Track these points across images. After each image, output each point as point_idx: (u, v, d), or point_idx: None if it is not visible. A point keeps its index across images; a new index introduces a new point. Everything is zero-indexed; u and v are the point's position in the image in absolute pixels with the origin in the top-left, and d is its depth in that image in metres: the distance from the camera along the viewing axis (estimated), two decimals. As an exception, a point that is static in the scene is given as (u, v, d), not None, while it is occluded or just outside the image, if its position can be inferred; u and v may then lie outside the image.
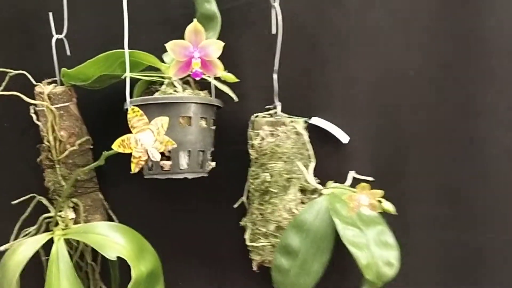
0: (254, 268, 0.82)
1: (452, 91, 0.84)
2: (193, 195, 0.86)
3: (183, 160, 0.75)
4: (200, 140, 0.75)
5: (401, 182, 0.85)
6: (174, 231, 0.87)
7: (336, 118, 0.84)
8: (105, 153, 0.64)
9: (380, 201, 0.69)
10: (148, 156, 0.60)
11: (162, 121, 0.61)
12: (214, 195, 0.86)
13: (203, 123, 0.76)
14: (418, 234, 0.84)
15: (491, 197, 0.84)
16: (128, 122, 0.59)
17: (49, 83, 0.82)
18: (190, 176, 0.75)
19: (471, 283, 0.84)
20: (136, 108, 0.60)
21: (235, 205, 0.84)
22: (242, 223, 0.83)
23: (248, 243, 0.81)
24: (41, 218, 0.83)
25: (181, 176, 0.75)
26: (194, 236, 0.87)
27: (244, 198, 0.83)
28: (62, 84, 0.82)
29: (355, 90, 0.84)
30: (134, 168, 0.60)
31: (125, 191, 0.88)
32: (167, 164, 0.74)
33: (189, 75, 0.69)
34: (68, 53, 0.83)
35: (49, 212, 0.84)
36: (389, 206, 0.70)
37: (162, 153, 0.74)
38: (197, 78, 0.68)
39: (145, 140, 0.59)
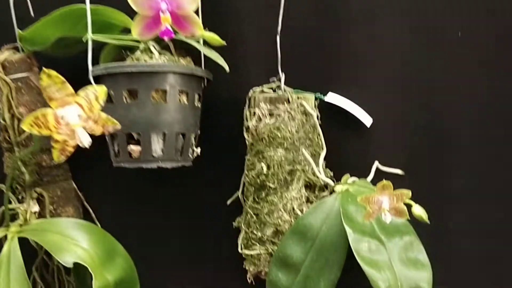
0: (249, 280, 0.66)
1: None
2: (182, 189, 0.71)
3: (157, 145, 0.59)
4: (179, 121, 0.60)
5: (438, 178, 0.66)
6: (159, 231, 0.72)
7: (357, 95, 0.66)
8: (36, 137, 0.49)
9: (408, 205, 0.52)
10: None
11: (96, 92, 0.45)
12: (205, 189, 0.71)
13: (184, 99, 0.60)
14: (460, 245, 0.65)
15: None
16: (43, 92, 0.44)
17: (9, 50, 0.68)
18: (165, 165, 0.60)
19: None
20: (53, 72, 0.45)
21: (229, 202, 0.69)
22: (235, 223, 0.67)
23: (240, 249, 0.65)
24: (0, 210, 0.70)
25: (154, 165, 0.60)
26: (181, 237, 0.72)
27: (239, 193, 0.67)
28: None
29: (382, 62, 0.66)
30: (58, 156, 0.45)
31: (106, 181, 0.74)
32: (135, 150, 0.59)
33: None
34: (32, 13, 0.69)
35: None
36: (420, 212, 0.52)
37: (131, 137, 0.60)
38: (166, 39, 0.53)
39: (70, 118, 0.44)
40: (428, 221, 0.52)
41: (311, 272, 0.57)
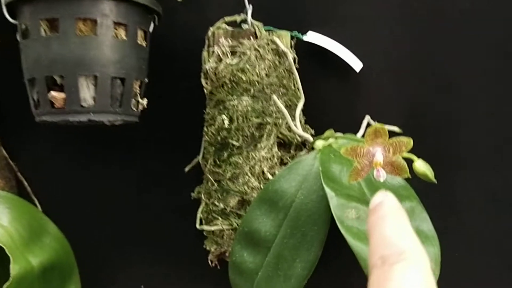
0: (211, 263, 0.53)
1: None
2: (129, 154, 0.58)
3: (86, 92, 0.46)
4: (116, 61, 0.47)
5: (443, 136, 0.54)
6: (103, 207, 0.59)
7: (343, 34, 0.53)
8: None
9: (409, 159, 0.39)
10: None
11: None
12: (158, 152, 0.58)
13: (122, 33, 0.47)
14: (469, 215, 0.53)
15: None
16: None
17: None
18: (99, 117, 0.47)
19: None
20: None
21: (187, 168, 0.56)
22: (194, 194, 0.54)
23: (198, 225, 0.52)
24: None
25: (84, 118, 0.47)
26: (130, 213, 0.59)
27: (200, 158, 0.54)
28: None
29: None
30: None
31: (43, 147, 0.61)
32: (58, 97, 0.46)
33: None
34: None
35: None
36: (424, 168, 0.39)
37: (54, 82, 0.47)
38: None
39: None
40: (434, 180, 0.40)
41: (284, 251, 0.45)
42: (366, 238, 0.38)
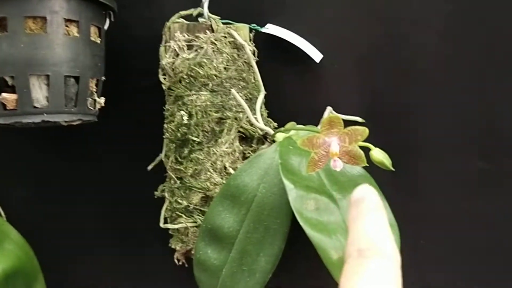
0: (176, 261, 0.52)
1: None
2: (90, 154, 0.57)
3: (39, 92, 0.45)
4: (69, 59, 0.45)
5: (405, 126, 0.54)
6: (66, 210, 0.58)
7: (304, 26, 0.53)
8: None
9: (366, 149, 0.39)
10: None
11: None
12: (119, 152, 0.56)
13: (74, 30, 0.46)
14: (432, 202, 0.54)
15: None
16: None
17: None
18: (54, 118, 0.46)
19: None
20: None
21: (150, 167, 0.55)
22: (157, 192, 0.53)
23: (162, 224, 0.51)
24: None
25: (37, 119, 0.45)
26: (94, 216, 0.58)
27: (163, 156, 0.53)
28: None
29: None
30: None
31: (3, 150, 0.59)
32: (9, 98, 0.45)
33: None
34: None
35: None
36: (381, 157, 0.40)
37: (5, 83, 0.45)
38: None
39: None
40: (392, 168, 0.40)
41: (248, 245, 0.44)
42: (325, 229, 0.38)
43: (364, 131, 0.37)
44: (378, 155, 0.39)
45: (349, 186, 0.42)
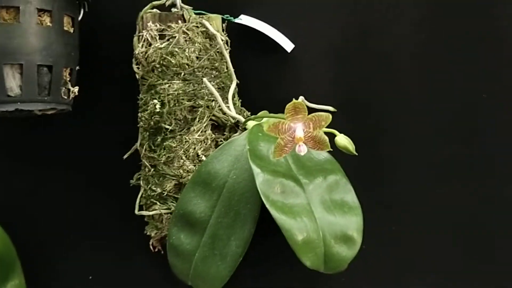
0: (152, 248, 0.53)
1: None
2: (66, 143, 0.58)
3: (12, 81, 0.46)
4: (41, 49, 0.46)
5: (376, 114, 0.56)
6: (41, 197, 0.59)
7: (277, 16, 0.54)
8: None
9: (331, 135, 0.40)
10: None
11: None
12: (95, 141, 0.57)
13: (46, 20, 0.47)
14: (404, 188, 0.55)
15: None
16: None
17: None
18: (27, 107, 0.46)
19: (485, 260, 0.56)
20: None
21: (125, 156, 0.56)
22: (133, 181, 0.54)
23: (137, 211, 0.52)
24: None
25: (11, 108, 0.46)
26: (71, 204, 0.58)
27: (138, 144, 0.54)
28: None
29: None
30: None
31: None
32: (-18, 87, 0.45)
33: None
34: None
35: None
36: (345, 142, 0.41)
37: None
38: None
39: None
40: (355, 153, 0.41)
41: (219, 230, 0.45)
42: (290, 212, 0.39)
43: (328, 117, 0.38)
44: (342, 140, 0.41)
45: (315, 170, 0.43)
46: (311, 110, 0.53)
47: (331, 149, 0.40)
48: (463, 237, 0.56)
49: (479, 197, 0.56)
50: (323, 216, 0.40)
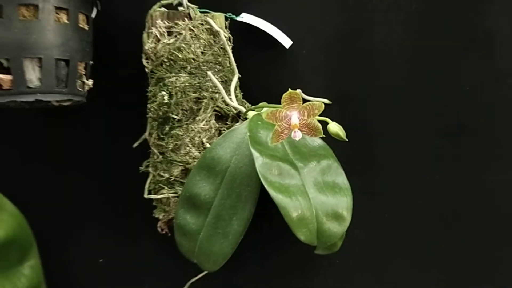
0: (160, 229, 0.58)
1: None
2: (79, 132, 0.62)
3: (32, 74, 0.50)
4: (59, 44, 0.50)
5: (370, 107, 0.59)
6: (56, 183, 0.63)
7: (275, 16, 0.58)
8: None
9: (324, 123, 0.44)
10: None
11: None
12: (107, 130, 0.61)
13: (63, 17, 0.51)
14: (392, 177, 0.59)
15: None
16: None
17: None
18: (46, 98, 0.50)
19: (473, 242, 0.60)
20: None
21: (135, 144, 0.60)
22: (142, 168, 0.58)
23: (146, 195, 0.56)
24: None
25: (31, 98, 0.50)
26: (83, 189, 0.63)
27: (147, 134, 0.58)
28: None
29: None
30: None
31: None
32: (5, 79, 0.49)
33: None
34: None
35: None
36: (336, 129, 0.45)
37: (0, 63, 0.50)
38: None
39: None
40: (346, 139, 0.45)
41: (222, 211, 0.49)
42: (286, 191, 0.43)
43: (321, 105, 0.42)
44: (334, 128, 0.44)
45: (310, 155, 0.47)
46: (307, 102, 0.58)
47: (324, 135, 0.44)
48: (445, 221, 0.59)
49: (461, 184, 0.59)
50: (316, 196, 0.44)
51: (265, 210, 0.50)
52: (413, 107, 0.59)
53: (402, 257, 0.60)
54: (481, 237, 0.59)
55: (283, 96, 0.42)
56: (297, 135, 0.42)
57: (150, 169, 0.57)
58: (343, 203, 0.45)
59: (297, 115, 0.42)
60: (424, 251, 0.60)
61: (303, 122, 0.43)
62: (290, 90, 0.42)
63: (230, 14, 0.57)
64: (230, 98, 0.53)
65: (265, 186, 0.43)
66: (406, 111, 0.59)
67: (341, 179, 0.46)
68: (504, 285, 0.59)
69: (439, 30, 0.59)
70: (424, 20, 0.59)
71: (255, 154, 0.44)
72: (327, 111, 0.56)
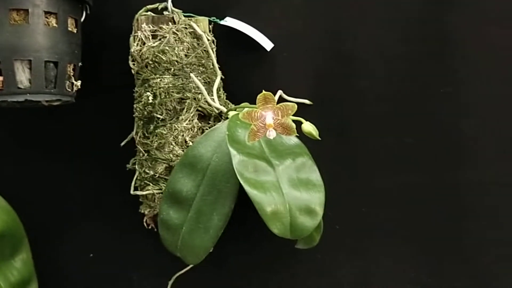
0: (146, 224, 0.60)
1: None
2: (69, 131, 0.64)
3: (22, 75, 0.52)
4: (48, 47, 0.52)
5: (349, 107, 0.62)
6: (46, 180, 0.65)
7: (258, 21, 0.61)
8: None
9: (299, 122, 0.47)
10: None
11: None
12: (95, 129, 0.64)
13: (53, 21, 0.53)
14: (366, 173, 0.62)
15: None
16: None
17: None
18: (35, 98, 0.53)
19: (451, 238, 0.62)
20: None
21: (123, 143, 0.62)
22: (129, 165, 0.61)
23: (132, 191, 0.59)
24: None
25: (21, 98, 0.52)
26: (73, 186, 0.65)
27: (134, 133, 0.61)
28: None
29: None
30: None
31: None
32: (-4, 80, 0.52)
33: None
34: None
35: None
36: (310, 128, 0.47)
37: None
38: None
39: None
40: (319, 138, 0.47)
41: (203, 206, 0.52)
42: (261, 187, 0.45)
43: (293, 106, 0.44)
44: (307, 127, 0.47)
45: (285, 154, 0.49)
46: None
47: (298, 134, 0.46)
48: (428, 221, 0.62)
49: (438, 180, 0.62)
50: (290, 191, 0.47)
51: (246, 205, 0.52)
52: (391, 108, 0.62)
53: (376, 250, 0.62)
54: (463, 232, 0.62)
55: (258, 97, 0.44)
56: (272, 134, 0.44)
57: (136, 167, 0.59)
58: (316, 198, 0.47)
59: (272, 115, 0.45)
60: (403, 246, 0.62)
61: (278, 121, 0.45)
62: (264, 91, 0.44)
63: (214, 18, 0.59)
64: (212, 99, 0.55)
65: (241, 182, 0.45)
66: (385, 111, 0.62)
67: (315, 176, 0.49)
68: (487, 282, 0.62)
69: (418, 33, 0.61)
70: (403, 23, 0.61)
71: (233, 152, 0.46)
72: (308, 111, 0.59)
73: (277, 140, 0.48)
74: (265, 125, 0.45)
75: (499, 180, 0.61)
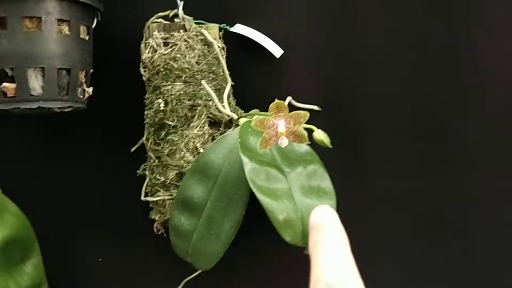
0: (156, 230, 0.60)
1: None
2: (80, 137, 0.65)
3: (35, 82, 0.53)
4: (60, 54, 0.53)
5: (358, 113, 0.62)
6: (57, 186, 0.66)
7: (267, 27, 0.61)
8: None
9: (311, 130, 0.47)
10: None
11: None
12: (106, 135, 0.64)
13: (65, 29, 0.53)
14: (377, 180, 0.62)
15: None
16: None
17: None
18: (48, 105, 0.53)
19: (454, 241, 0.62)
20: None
21: (133, 149, 0.62)
22: (139, 171, 0.61)
23: (143, 197, 0.59)
24: None
25: (34, 105, 0.53)
26: (83, 192, 0.65)
27: (144, 139, 0.61)
28: None
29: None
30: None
31: (1, 133, 0.66)
32: (9, 87, 0.52)
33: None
34: None
35: None
36: (321, 136, 0.48)
37: (5, 74, 0.52)
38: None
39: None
40: (330, 146, 0.48)
41: (214, 212, 0.52)
42: (273, 195, 0.46)
43: (306, 114, 0.45)
44: (319, 135, 0.47)
45: (297, 161, 0.50)
46: (297, 109, 0.60)
47: (309, 142, 0.46)
48: (438, 229, 0.62)
49: (440, 188, 0.61)
50: (302, 199, 0.47)
51: (257, 212, 0.52)
52: (402, 113, 0.62)
53: (386, 258, 0.62)
54: (465, 237, 0.62)
55: (271, 105, 0.44)
56: (284, 142, 0.45)
57: (147, 173, 0.59)
58: (328, 205, 0.47)
59: (284, 123, 0.45)
60: (409, 253, 0.63)
61: (290, 129, 0.45)
62: (277, 100, 0.45)
63: (224, 25, 0.60)
64: (223, 106, 0.56)
65: (253, 190, 0.45)
66: (390, 116, 0.62)
67: (326, 183, 0.49)
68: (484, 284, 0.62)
69: (425, 38, 0.61)
70: (414, 28, 0.61)
71: (245, 159, 0.47)
72: (317, 117, 0.60)
73: (288, 147, 0.49)
74: (277, 133, 0.45)
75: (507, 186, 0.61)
